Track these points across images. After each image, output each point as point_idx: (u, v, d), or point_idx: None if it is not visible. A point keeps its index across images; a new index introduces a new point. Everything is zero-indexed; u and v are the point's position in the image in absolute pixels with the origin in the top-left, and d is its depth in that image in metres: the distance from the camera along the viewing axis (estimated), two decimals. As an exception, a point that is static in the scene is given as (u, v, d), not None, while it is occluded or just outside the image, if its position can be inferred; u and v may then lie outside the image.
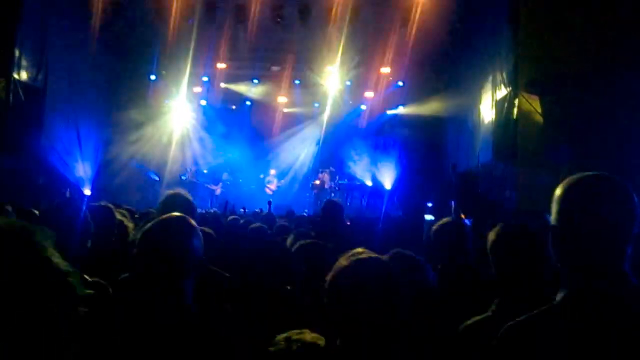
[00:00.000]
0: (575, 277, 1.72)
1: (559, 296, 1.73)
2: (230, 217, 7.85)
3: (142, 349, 2.18)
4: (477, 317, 2.77)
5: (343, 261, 2.14)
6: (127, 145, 18.08)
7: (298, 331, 1.84)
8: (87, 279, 2.95)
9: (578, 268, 1.72)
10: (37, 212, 5.35)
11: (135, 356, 2.19)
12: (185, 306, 2.34)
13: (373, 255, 2.23)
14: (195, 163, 19.38)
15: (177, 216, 2.47)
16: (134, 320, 2.29)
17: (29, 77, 14.41)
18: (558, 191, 1.78)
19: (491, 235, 2.90)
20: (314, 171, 19.60)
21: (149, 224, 2.41)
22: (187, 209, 3.21)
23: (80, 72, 16.43)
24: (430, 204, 16.76)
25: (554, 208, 1.78)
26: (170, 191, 3.75)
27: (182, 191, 3.78)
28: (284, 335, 1.83)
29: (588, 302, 1.66)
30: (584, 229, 1.71)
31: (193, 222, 2.45)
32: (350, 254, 2.18)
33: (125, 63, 17.82)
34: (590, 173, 1.77)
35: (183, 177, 18.61)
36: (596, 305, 1.65)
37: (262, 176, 19.87)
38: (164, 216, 2.45)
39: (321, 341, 1.82)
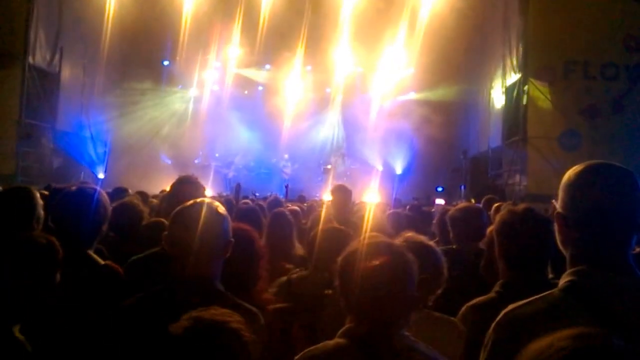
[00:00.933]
0: (578, 264, 1.70)
1: (561, 283, 1.72)
2: (242, 201, 7.86)
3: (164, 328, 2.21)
4: (481, 298, 2.79)
5: (356, 244, 2.14)
6: (140, 130, 18.17)
7: (204, 308, 1.75)
8: (99, 261, 3.00)
9: (582, 255, 1.71)
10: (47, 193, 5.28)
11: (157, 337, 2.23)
12: (213, 287, 2.36)
13: (385, 239, 2.24)
14: (208, 147, 19.45)
15: (209, 200, 2.51)
16: (157, 302, 2.30)
17: (43, 62, 14.48)
18: (565, 178, 1.76)
19: (498, 217, 2.91)
20: (326, 155, 19.65)
21: (181, 206, 2.45)
22: (196, 192, 3.21)
23: (93, 58, 16.51)
24: (440, 189, 16.82)
25: (561, 195, 1.77)
26: (180, 175, 3.73)
27: (192, 175, 3.79)
28: (189, 314, 1.72)
29: (591, 290, 1.64)
30: (589, 217, 1.69)
31: (222, 207, 2.49)
32: (362, 237, 2.19)
33: (138, 48, 17.87)
34: (598, 162, 1.76)
35: (196, 161, 18.73)
36: (599, 294, 1.63)
37: (274, 160, 19.91)
38: (197, 199, 2.49)
39: (227, 317, 1.74)
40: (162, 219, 3.68)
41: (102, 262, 3.01)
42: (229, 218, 2.49)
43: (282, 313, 3.13)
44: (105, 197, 3.20)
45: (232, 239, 2.47)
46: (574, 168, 1.76)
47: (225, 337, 1.70)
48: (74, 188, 3.24)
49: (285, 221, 4.67)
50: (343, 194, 5.48)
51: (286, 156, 19.58)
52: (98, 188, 3.32)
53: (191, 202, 2.46)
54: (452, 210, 4.47)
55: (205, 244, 2.32)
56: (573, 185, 1.74)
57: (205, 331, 1.69)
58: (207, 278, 2.36)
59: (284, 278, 3.67)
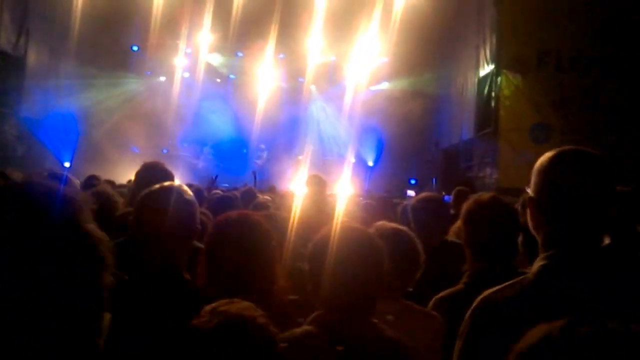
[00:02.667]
0: (550, 248, 1.73)
1: (535, 266, 1.74)
2: (213, 192, 7.76)
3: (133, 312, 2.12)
4: (449, 290, 2.80)
5: (327, 230, 2.15)
6: (107, 118, 17.82)
7: (227, 301, 1.73)
8: None
9: (554, 240, 1.73)
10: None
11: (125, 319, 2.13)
12: (179, 274, 2.32)
13: (355, 224, 2.25)
14: (178, 136, 19.16)
15: (177, 184, 2.48)
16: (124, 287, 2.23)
17: (8, 45, 14.03)
18: (538, 163, 1.79)
19: (465, 206, 2.92)
20: (297, 146, 19.53)
21: (147, 190, 2.37)
22: (165, 180, 3.10)
23: (61, 42, 16.08)
24: (414, 181, 16.84)
25: (533, 180, 1.79)
26: (147, 162, 3.62)
27: (159, 161, 3.69)
28: (211, 305, 1.72)
29: (566, 272, 1.67)
30: (561, 202, 1.72)
31: (189, 191, 2.44)
32: (334, 223, 2.18)
33: (106, 33, 17.45)
34: (572, 147, 1.79)
35: (164, 151, 18.45)
36: (574, 276, 1.66)
37: (244, 151, 19.74)
38: (164, 183, 2.44)
39: (252, 311, 1.70)
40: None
41: None
42: (197, 204, 2.43)
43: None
44: (75, 182, 3.12)
45: (200, 226, 2.41)
46: (547, 153, 1.79)
47: (254, 334, 1.66)
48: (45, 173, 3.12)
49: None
50: (318, 185, 5.37)
51: (262, 146, 19.42)
52: (65, 173, 3.24)
53: (158, 185, 2.39)
54: (412, 200, 4.51)
55: (173, 228, 2.26)
56: (545, 169, 1.76)
57: (235, 327, 1.64)
58: (173, 264, 2.31)
59: None
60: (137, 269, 2.25)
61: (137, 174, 3.42)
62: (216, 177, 10.90)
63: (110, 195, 4.42)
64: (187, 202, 2.36)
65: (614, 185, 1.75)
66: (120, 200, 4.58)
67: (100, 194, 4.43)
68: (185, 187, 2.45)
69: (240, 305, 1.71)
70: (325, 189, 5.63)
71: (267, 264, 2.72)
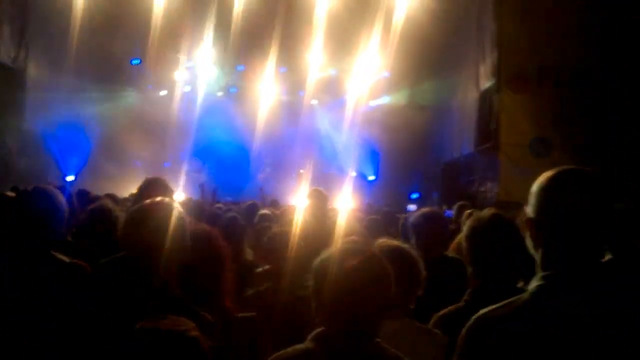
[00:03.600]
0: (548, 268, 1.73)
1: (531, 286, 1.75)
2: (216, 206, 7.78)
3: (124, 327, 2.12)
4: (450, 307, 2.79)
5: (331, 248, 2.14)
6: (108, 131, 17.82)
7: (158, 316, 1.72)
8: (65, 260, 2.95)
9: (552, 260, 1.74)
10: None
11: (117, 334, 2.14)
12: (170, 291, 2.30)
13: (362, 243, 2.23)
14: (180, 150, 19.15)
15: (164, 200, 2.44)
16: (115, 300, 2.24)
17: (8, 59, 14.05)
18: (537, 183, 1.79)
19: (468, 223, 2.93)
20: (298, 160, 19.53)
21: (137, 205, 2.38)
22: (165, 195, 3.11)
23: (61, 55, 16.12)
24: (416, 195, 16.84)
25: (532, 200, 1.79)
26: (148, 177, 3.65)
27: (161, 177, 3.71)
28: (142, 324, 1.70)
29: (562, 293, 1.67)
30: (559, 222, 1.72)
31: (179, 207, 2.43)
32: (340, 241, 2.19)
33: (107, 46, 17.49)
34: (570, 167, 1.79)
35: (166, 165, 18.44)
36: (566, 298, 1.66)
37: (246, 164, 19.75)
38: (153, 199, 2.42)
39: (183, 326, 1.70)
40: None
41: (68, 260, 2.96)
42: (187, 219, 2.42)
43: (248, 322, 3.04)
44: (62, 198, 3.14)
45: (190, 242, 2.40)
46: (545, 173, 1.79)
47: (184, 347, 1.66)
48: (30, 188, 3.15)
49: (237, 225, 4.69)
50: (319, 198, 5.37)
51: (269, 160, 19.46)
52: (53, 188, 3.30)
53: (149, 200, 2.38)
54: (413, 215, 4.50)
55: (159, 243, 2.25)
56: (544, 189, 1.76)
57: (165, 341, 1.65)
58: (162, 281, 2.29)
59: (251, 291, 3.61)
60: (133, 283, 2.27)
61: (139, 190, 3.47)
62: (215, 189, 10.91)
63: (111, 210, 4.43)
64: (175, 217, 2.33)
65: (613, 204, 1.74)
66: (122, 216, 4.61)
67: (100, 209, 4.45)
68: (176, 203, 2.44)
69: (170, 321, 1.70)
70: (327, 202, 5.65)
71: (212, 279, 2.79)
